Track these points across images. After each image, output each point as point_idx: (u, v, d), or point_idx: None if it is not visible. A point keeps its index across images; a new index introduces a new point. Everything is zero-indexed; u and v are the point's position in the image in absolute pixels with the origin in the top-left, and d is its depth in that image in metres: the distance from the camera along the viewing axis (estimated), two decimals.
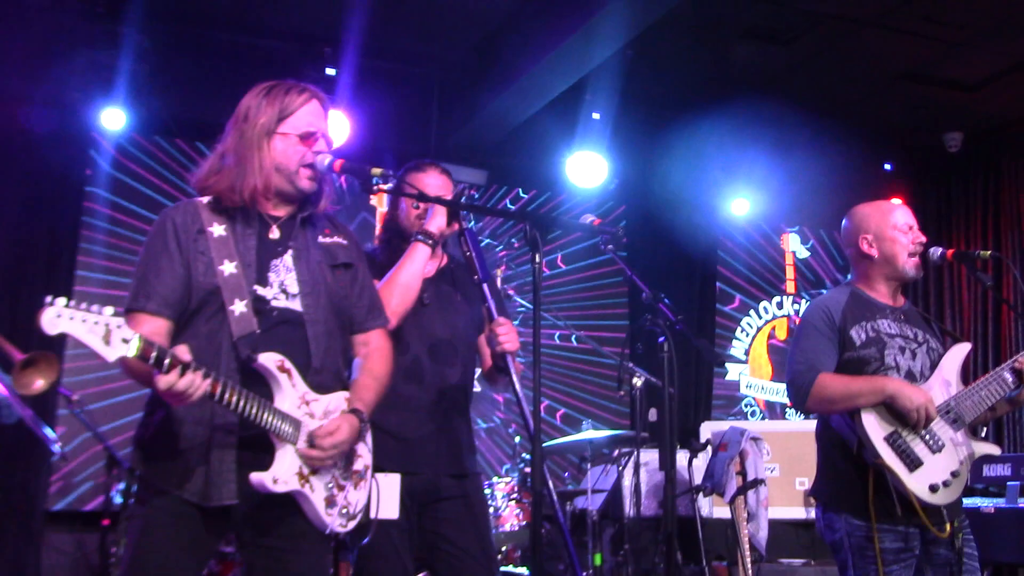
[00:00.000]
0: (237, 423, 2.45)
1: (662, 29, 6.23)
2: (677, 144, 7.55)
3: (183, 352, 2.25)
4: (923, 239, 3.51)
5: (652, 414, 5.68)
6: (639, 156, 8.00)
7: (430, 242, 3.18)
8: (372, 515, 2.77)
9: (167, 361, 2.21)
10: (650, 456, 6.03)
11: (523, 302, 6.14)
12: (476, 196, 7.75)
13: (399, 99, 7.38)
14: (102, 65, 6.17)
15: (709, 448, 5.46)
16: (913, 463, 3.22)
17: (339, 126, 6.48)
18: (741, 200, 8.47)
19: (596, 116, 7.18)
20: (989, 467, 5.77)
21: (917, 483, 3.20)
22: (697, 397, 8.34)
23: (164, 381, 2.22)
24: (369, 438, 2.75)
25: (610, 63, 6.57)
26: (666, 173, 8.00)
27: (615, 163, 7.53)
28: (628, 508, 5.79)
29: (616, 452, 5.98)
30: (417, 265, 3.16)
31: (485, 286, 2.84)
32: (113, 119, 6.37)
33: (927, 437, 3.27)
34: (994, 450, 3.50)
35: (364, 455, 2.71)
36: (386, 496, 3.02)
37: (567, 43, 6.08)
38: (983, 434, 3.63)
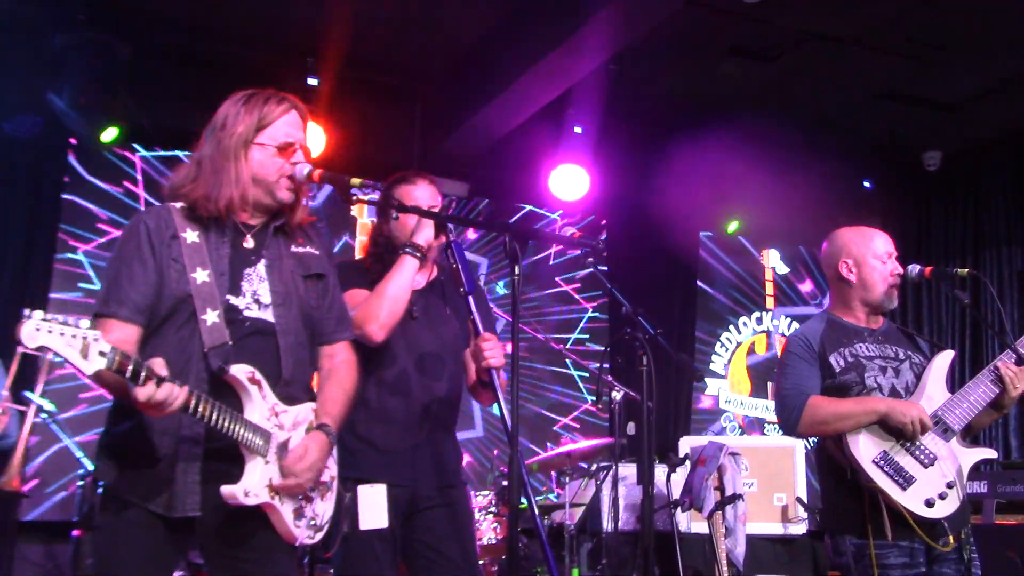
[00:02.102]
0: (203, 434, 2.43)
1: (646, 44, 6.26)
2: (659, 159, 7.57)
3: (160, 367, 2.23)
4: (900, 270, 3.53)
5: (631, 428, 5.66)
6: (622, 170, 8.01)
7: (418, 255, 3.16)
8: (361, 526, 2.75)
9: (143, 374, 2.19)
10: (628, 470, 6.01)
11: (501, 314, 6.12)
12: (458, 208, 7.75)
13: (381, 110, 7.37)
14: (82, 73, 6.13)
15: (688, 463, 5.45)
16: (906, 481, 3.22)
17: (320, 137, 6.46)
18: (722, 216, 8.49)
19: (578, 130, 7.20)
20: None
21: (912, 500, 3.21)
22: (676, 412, 8.34)
23: (142, 393, 2.19)
24: (334, 450, 2.73)
25: (593, 77, 6.59)
26: (648, 187, 8.01)
27: (597, 177, 7.53)
28: (606, 522, 5.77)
29: (594, 466, 5.96)
30: (406, 278, 3.14)
31: (471, 298, 2.83)
32: (93, 127, 6.33)
33: (917, 452, 3.27)
34: (989, 454, 3.50)
35: (330, 467, 2.69)
36: (373, 506, 3.01)
37: (550, 56, 6.09)
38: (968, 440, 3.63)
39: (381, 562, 3.06)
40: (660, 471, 5.50)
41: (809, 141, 7.86)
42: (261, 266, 2.61)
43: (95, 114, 6.28)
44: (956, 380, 7.74)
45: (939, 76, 7.04)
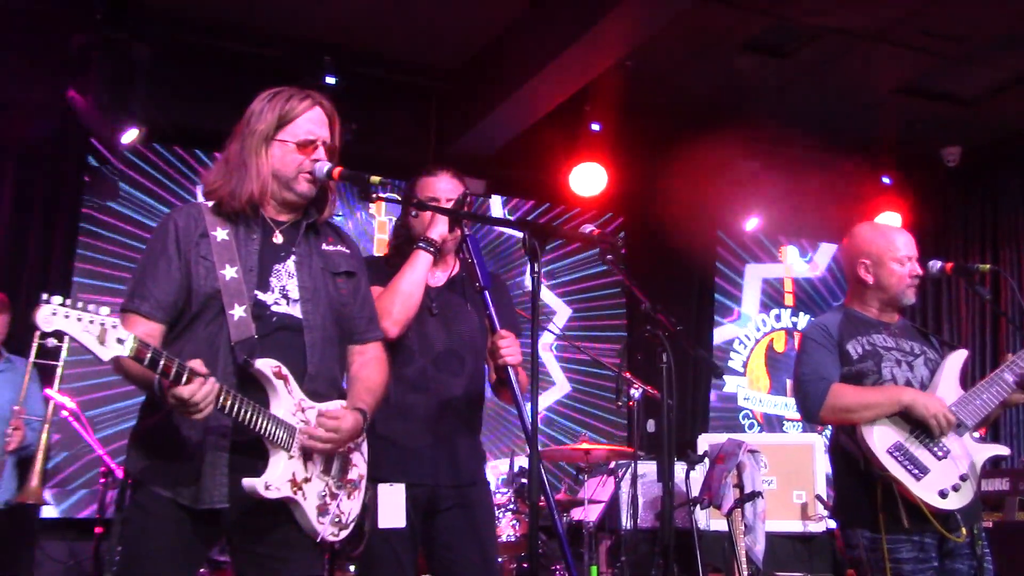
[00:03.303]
0: (230, 427, 2.44)
1: (662, 41, 6.24)
2: (677, 156, 7.55)
3: (199, 366, 2.27)
4: (919, 272, 3.53)
5: (650, 425, 5.66)
6: (639, 167, 7.99)
7: (432, 249, 3.16)
8: (380, 524, 2.75)
9: (185, 375, 2.23)
10: (647, 468, 6.00)
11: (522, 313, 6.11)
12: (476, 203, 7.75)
13: (398, 108, 7.38)
14: (101, 73, 6.16)
15: (706, 460, 5.44)
16: (920, 471, 3.23)
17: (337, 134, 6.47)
18: (739, 212, 8.46)
19: (595, 127, 7.18)
20: None
21: (926, 491, 3.22)
22: (695, 409, 8.32)
23: (187, 391, 2.23)
24: (365, 448, 2.75)
25: (609, 74, 6.58)
26: (665, 184, 7.99)
27: (615, 174, 7.52)
28: (625, 520, 5.76)
29: (613, 463, 5.95)
30: (419, 273, 3.13)
31: (487, 294, 2.83)
32: (112, 126, 6.35)
33: (931, 445, 3.29)
34: (1002, 451, 3.52)
35: (359, 464, 2.71)
36: (391, 505, 3.01)
37: (566, 53, 6.08)
38: (977, 437, 3.63)
39: (400, 562, 3.06)
40: (679, 468, 5.49)
41: (827, 137, 7.83)
42: (291, 262, 2.62)
43: (115, 114, 6.31)
44: (975, 376, 7.70)
45: (958, 71, 7.00)
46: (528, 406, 2.66)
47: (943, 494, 3.22)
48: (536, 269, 2.69)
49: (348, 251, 2.78)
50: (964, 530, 3.25)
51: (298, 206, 2.68)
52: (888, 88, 7.30)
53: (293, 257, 2.63)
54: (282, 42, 6.74)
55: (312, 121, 2.66)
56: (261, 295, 2.55)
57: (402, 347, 3.16)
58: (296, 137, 2.63)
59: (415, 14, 6.46)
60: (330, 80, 6.59)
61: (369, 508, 2.93)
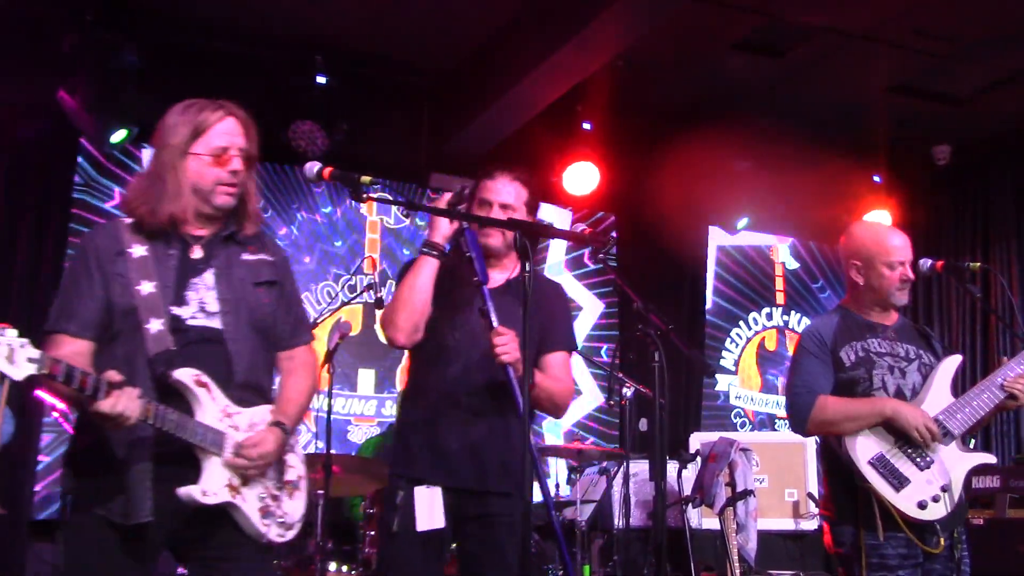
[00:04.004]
0: (153, 439, 2.44)
1: (654, 40, 6.24)
2: (668, 154, 7.55)
3: (113, 375, 2.29)
4: (910, 276, 3.53)
5: (642, 424, 5.67)
6: (630, 166, 7.99)
7: (435, 252, 3.14)
8: (418, 527, 2.76)
9: (103, 389, 2.25)
10: (640, 467, 6.01)
11: None
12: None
13: (391, 108, 7.37)
14: (91, 73, 6.14)
15: (698, 459, 5.45)
16: (900, 482, 3.25)
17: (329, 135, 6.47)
18: (731, 211, 8.47)
19: (587, 126, 7.19)
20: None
21: (904, 501, 3.24)
22: (686, 408, 8.32)
23: (106, 404, 2.26)
24: (299, 449, 2.77)
25: (602, 74, 6.58)
26: (657, 184, 7.99)
27: (605, 173, 7.52)
28: (617, 519, 5.77)
29: (605, 462, 5.96)
30: (422, 278, 3.11)
31: (485, 289, 2.81)
32: (103, 127, 6.33)
33: (914, 455, 3.30)
34: (988, 459, 3.51)
35: (296, 465, 2.73)
36: (429, 506, 3.02)
37: (559, 53, 6.08)
38: (972, 445, 3.64)
39: (427, 564, 3.05)
40: (671, 467, 5.50)
41: (818, 136, 7.83)
42: (209, 275, 2.62)
43: (105, 114, 6.29)
44: (967, 379, 7.72)
45: (949, 70, 7.01)
46: (520, 404, 2.65)
47: (922, 505, 3.24)
48: (528, 268, 2.69)
49: (271, 258, 2.77)
50: (942, 540, 3.27)
51: (217, 218, 2.67)
52: (879, 87, 7.32)
53: (211, 270, 2.63)
54: (274, 42, 6.72)
55: (226, 132, 2.63)
56: (177, 310, 2.55)
57: (445, 347, 3.15)
58: (210, 148, 2.60)
59: (407, 14, 6.45)
60: (321, 80, 6.57)
61: (399, 509, 2.94)
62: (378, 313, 7.03)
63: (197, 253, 2.63)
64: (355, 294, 6.25)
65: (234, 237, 2.70)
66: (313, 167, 2.66)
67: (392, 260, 7.51)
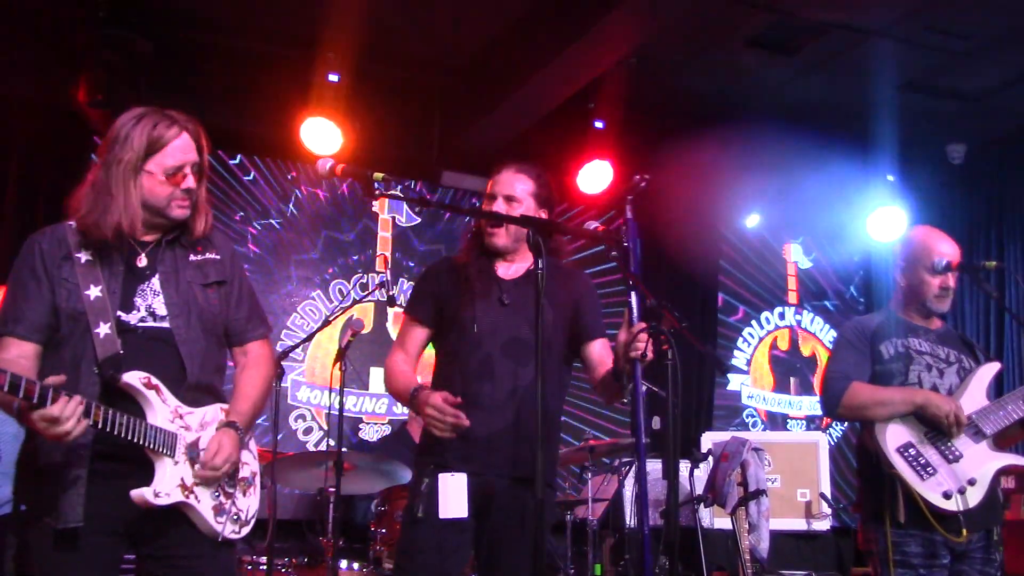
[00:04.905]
0: (89, 444, 2.43)
1: (666, 38, 6.22)
2: (680, 153, 7.52)
3: (55, 379, 2.28)
4: (951, 286, 3.56)
5: (655, 422, 5.64)
6: (642, 165, 7.97)
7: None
8: (441, 515, 2.77)
9: (49, 395, 2.23)
10: (652, 466, 5.98)
11: None
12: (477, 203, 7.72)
13: (402, 105, 7.37)
14: (103, 70, 6.15)
15: (710, 458, 5.43)
16: (926, 472, 3.27)
17: (338, 133, 6.46)
18: (743, 209, 8.44)
19: (599, 125, 7.16)
20: None
21: (930, 490, 3.27)
22: (699, 407, 8.29)
23: (55, 409, 2.24)
24: (252, 446, 2.78)
25: (614, 72, 6.56)
26: (669, 182, 7.96)
27: (618, 171, 7.49)
28: (629, 518, 5.75)
29: (617, 461, 5.94)
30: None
31: (633, 292, 2.87)
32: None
33: (943, 447, 3.34)
34: (1018, 460, 3.53)
35: (250, 462, 2.74)
36: (453, 494, 3.02)
37: (571, 50, 6.07)
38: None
39: (441, 552, 3.04)
40: (683, 466, 5.48)
41: (831, 134, 7.80)
42: (155, 280, 2.62)
43: (117, 111, 6.29)
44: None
45: (963, 68, 6.97)
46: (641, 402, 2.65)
47: (947, 495, 3.26)
48: (541, 265, 2.70)
49: (218, 257, 2.76)
50: (965, 531, 3.27)
51: (165, 225, 2.67)
52: (893, 85, 7.28)
53: (158, 275, 2.62)
54: (286, 39, 6.72)
55: (181, 149, 2.62)
56: (124, 315, 2.54)
57: (468, 337, 3.17)
58: (165, 167, 2.59)
59: (419, 11, 6.45)
60: (333, 77, 6.57)
61: (424, 496, 2.93)
62: (390, 312, 7.14)
63: (142, 261, 2.63)
64: (367, 292, 6.25)
65: (179, 240, 2.70)
66: (326, 163, 2.65)
67: (405, 253, 7.50)
